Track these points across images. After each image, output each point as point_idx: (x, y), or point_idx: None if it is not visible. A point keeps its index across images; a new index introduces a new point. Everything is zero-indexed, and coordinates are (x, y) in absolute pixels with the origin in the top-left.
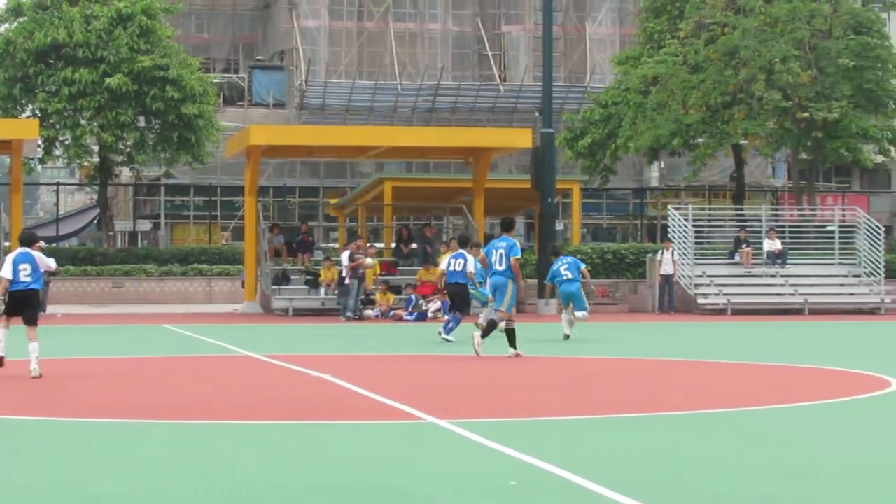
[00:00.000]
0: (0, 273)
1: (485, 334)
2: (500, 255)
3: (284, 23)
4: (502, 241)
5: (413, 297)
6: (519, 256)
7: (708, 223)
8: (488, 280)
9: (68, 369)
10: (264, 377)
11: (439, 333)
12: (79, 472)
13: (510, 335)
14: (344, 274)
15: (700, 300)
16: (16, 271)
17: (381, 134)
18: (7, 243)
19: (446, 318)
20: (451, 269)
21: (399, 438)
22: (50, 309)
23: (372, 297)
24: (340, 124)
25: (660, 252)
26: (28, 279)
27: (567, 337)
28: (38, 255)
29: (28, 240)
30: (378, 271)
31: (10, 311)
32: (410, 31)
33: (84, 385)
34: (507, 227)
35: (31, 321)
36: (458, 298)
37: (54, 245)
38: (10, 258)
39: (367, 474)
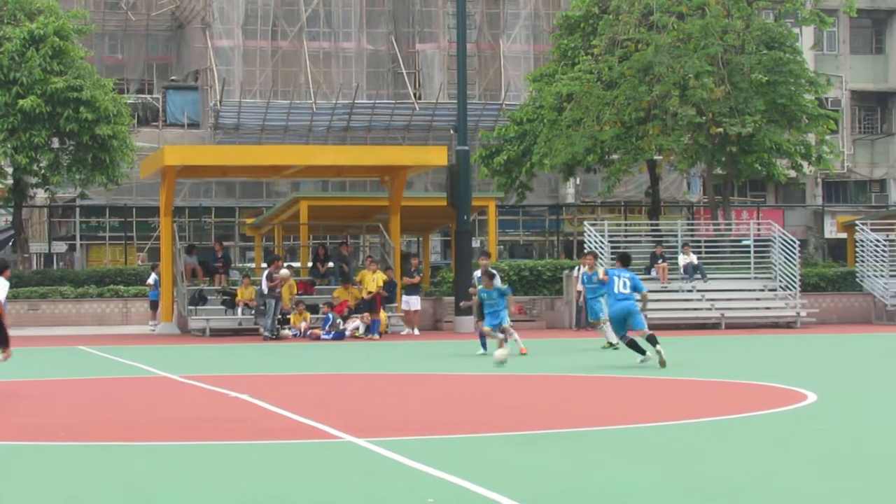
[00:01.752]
0: None
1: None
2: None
3: (198, 43)
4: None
5: (330, 315)
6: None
7: (624, 239)
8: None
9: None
10: (181, 398)
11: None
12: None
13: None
14: (265, 290)
15: None
16: None
17: (296, 153)
18: None
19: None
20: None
21: (317, 458)
22: None
23: (288, 316)
24: (255, 144)
25: (576, 268)
26: None
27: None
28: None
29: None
30: (294, 290)
31: None
32: (325, 50)
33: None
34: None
35: None
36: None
37: None
38: None
39: (284, 494)
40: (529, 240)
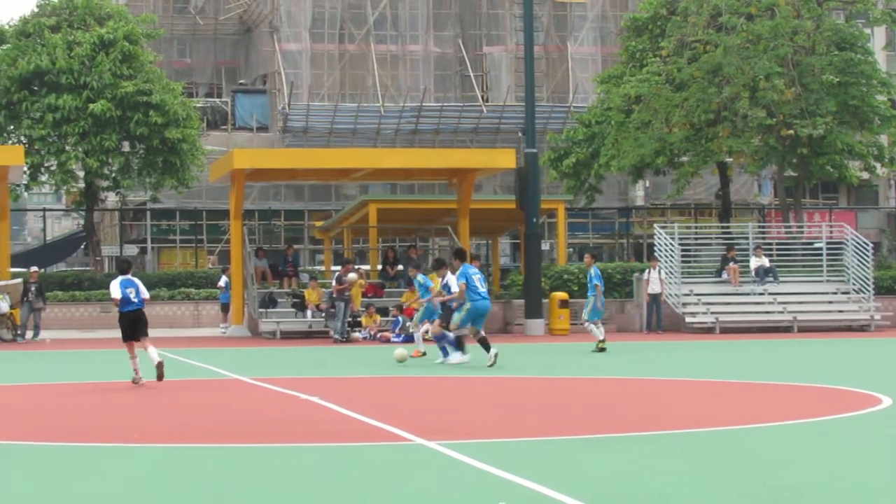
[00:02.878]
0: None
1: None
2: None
3: (266, 46)
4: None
5: (400, 318)
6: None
7: (694, 241)
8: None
9: (57, 394)
10: (252, 400)
11: None
12: (61, 498)
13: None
14: (334, 295)
15: (688, 319)
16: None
17: (365, 156)
18: None
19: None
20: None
21: (388, 461)
22: (42, 334)
23: (359, 318)
24: (324, 147)
25: (646, 271)
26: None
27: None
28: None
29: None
30: (362, 288)
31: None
32: (392, 53)
33: (71, 410)
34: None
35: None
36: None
37: (43, 270)
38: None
39: (355, 497)
40: (599, 242)
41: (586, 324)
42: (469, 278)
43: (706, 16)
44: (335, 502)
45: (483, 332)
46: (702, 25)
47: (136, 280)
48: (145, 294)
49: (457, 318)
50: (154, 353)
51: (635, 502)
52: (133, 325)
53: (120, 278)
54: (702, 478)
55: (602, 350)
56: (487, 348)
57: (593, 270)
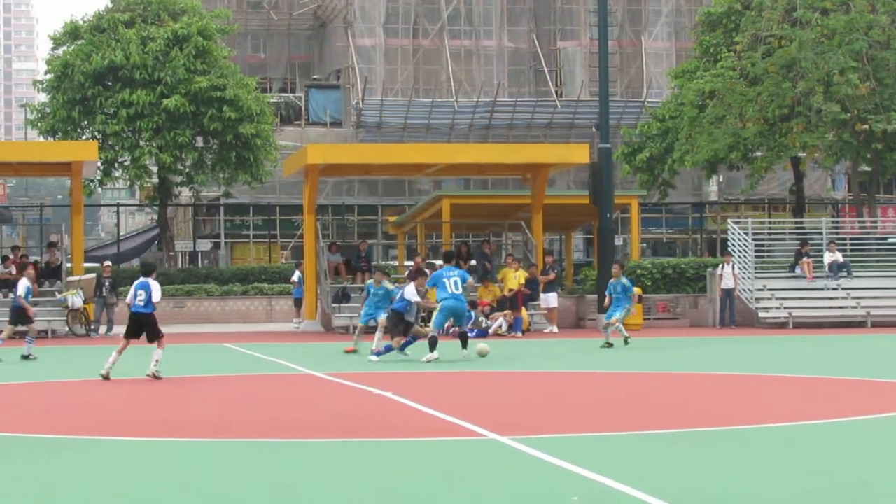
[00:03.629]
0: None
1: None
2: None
3: (340, 42)
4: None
5: (472, 313)
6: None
7: (768, 236)
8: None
9: (134, 389)
10: (325, 395)
11: None
12: (134, 491)
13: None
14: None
15: (761, 314)
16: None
17: (439, 151)
18: (69, 264)
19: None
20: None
21: (461, 455)
22: (115, 329)
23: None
24: (397, 142)
25: (720, 266)
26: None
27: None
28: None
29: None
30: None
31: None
32: (466, 49)
33: (147, 404)
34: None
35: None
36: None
37: (116, 265)
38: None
39: (428, 491)
40: (672, 237)
41: (616, 325)
42: (439, 281)
43: (781, 10)
44: (409, 497)
45: (434, 332)
46: (776, 20)
47: (153, 284)
48: (156, 299)
49: (435, 318)
50: (154, 358)
51: (706, 498)
52: (137, 327)
53: (140, 280)
54: (770, 474)
55: (610, 346)
56: (433, 346)
57: (625, 280)
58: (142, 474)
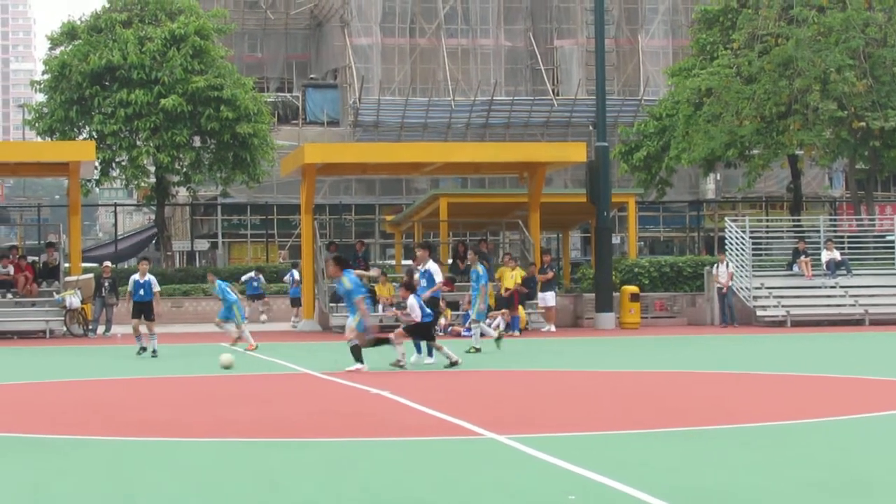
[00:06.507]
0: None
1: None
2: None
3: (337, 41)
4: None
5: (470, 312)
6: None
7: (766, 235)
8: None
9: (129, 389)
10: (322, 394)
11: None
12: (129, 491)
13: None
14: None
15: (759, 312)
16: None
17: (436, 150)
18: (67, 264)
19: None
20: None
21: (458, 454)
22: (113, 329)
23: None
24: (395, 141)
25: (715, 265)
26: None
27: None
28: None
29: None
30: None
31: None
32: (463, 47)
33: (142, 404)
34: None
35: None
36: None
37: (115, 265)
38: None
39: (425, 491)
40: (670, 236)
41: (476, 326)
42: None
43: (777, 8)
44: (406, 496)
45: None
46: (773, 18)
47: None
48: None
49: (351, 322)
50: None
51: (705, 496)
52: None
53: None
54: (769, 470)
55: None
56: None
57: (479, 268)
58: (138, 474)
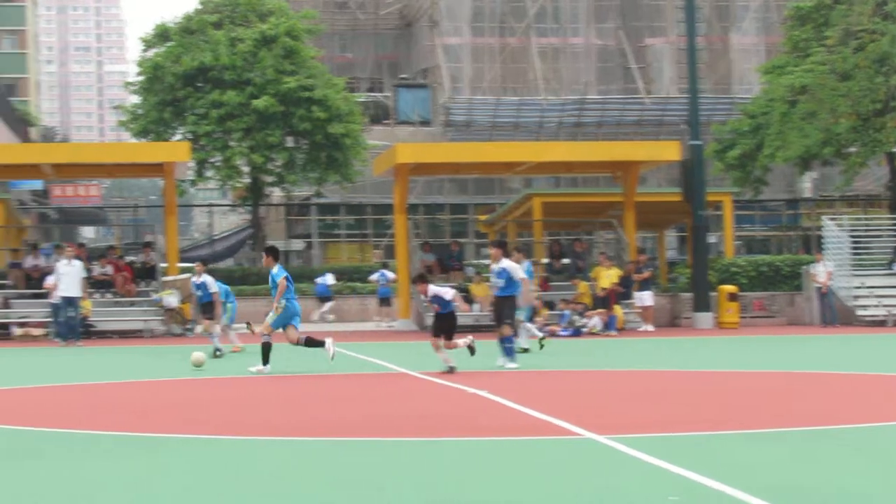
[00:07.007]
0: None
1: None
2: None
3: (427, 41)
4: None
5: (567, 312)
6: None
7: (864, 233)
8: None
9: (228, 389)
10: (420, 394)
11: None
12: (226, 489)
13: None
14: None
15: (859, 312)
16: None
17: (529, 150)
18: (164, 264)
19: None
20: None
21: (557, 455)
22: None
23: None
24: (486, 140)
25: (812, 265)
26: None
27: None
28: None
29: None
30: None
31: None
32: (553, 46)
33: (241, 405)
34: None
35: None
36: None
37: (207, 265)
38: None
39: (523, 491)
40: (767, 235)
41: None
42: (289, 279)
43: (872, 4)
44: (504, 496)
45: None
46: (867, 14)
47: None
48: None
49: (269, 318)
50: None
51: (807, 498)
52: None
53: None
54: (874, 472)
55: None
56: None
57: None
58: (227, 472)
